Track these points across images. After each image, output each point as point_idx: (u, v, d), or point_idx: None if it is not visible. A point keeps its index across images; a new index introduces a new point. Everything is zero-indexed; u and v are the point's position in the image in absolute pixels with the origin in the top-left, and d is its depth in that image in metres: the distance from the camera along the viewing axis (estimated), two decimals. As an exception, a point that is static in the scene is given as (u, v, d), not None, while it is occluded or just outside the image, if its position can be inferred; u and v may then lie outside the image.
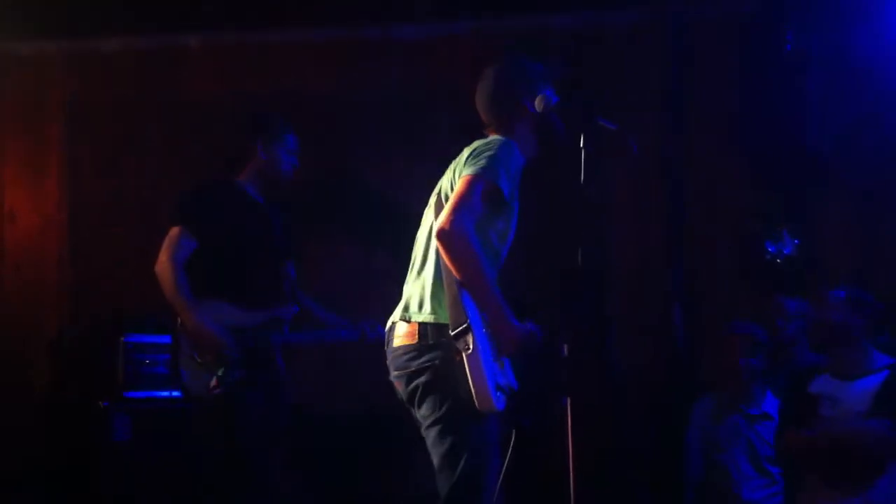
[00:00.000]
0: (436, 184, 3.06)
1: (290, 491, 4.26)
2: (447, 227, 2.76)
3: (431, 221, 2.96)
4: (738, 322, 4.34)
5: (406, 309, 2.93)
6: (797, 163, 4.60)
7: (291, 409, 3.88)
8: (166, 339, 4.38)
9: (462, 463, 2.77)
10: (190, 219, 3.75)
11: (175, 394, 4.37)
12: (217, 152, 4.87)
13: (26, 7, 4.96)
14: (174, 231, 3.72)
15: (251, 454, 3.65)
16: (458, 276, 2.77)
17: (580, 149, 2.99)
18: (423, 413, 2.86)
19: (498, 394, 2.73)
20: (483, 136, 3.06)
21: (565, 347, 3.01)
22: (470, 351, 2.70)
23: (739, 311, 4.52)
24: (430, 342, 2.83)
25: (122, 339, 4.48)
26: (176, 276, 3.65)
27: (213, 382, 3.59)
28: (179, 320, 3.68)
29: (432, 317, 2.85)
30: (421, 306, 2.89)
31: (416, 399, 2.86)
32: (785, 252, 4.16)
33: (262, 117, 4.03)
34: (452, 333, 2.74)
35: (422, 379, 2.83)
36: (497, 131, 3.06)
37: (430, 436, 2.84)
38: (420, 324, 2.87)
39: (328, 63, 5.13)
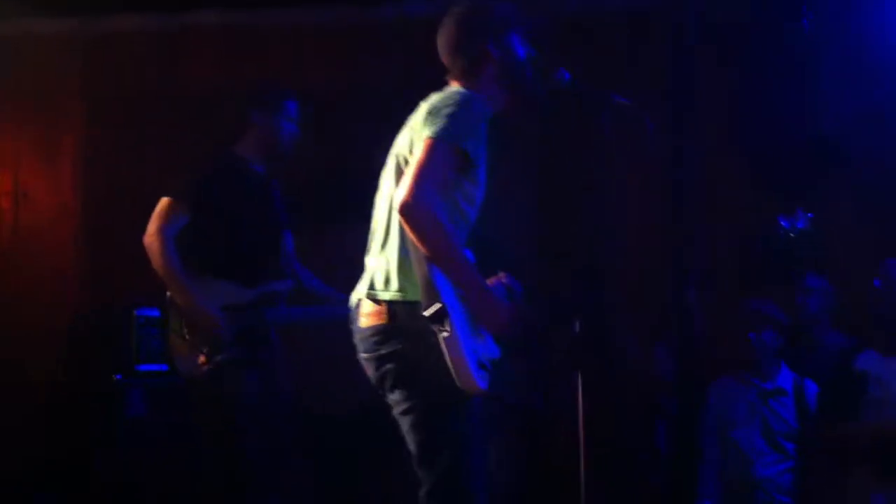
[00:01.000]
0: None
1: (295, 479, 4.14)
2: (409, 201, 2.50)
3: (391, 188, 2.72)
4: (749, 298, 4.33)
5: (372, 286, 2.68)
6: (811, 149, 4.56)
7: (291, 392, 3.77)
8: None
9: (443, 453, 2.58)
10: (182, 192, 3.64)
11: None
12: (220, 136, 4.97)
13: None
14: (164, 203, 3.61)
15: (244, 435, 3.51)
16: (425, 253, 2.52)
17: (594, 126, 2.98)
18: (395, 398, 2.64)
19: (480, 372, 2.53)
20: (444, 86, 2.80)
21: (577, 325, 2.98)
22: (447, 334, 2.48)
23: (755, 290, 4.50)
24: (401, 323, 2.59)
25: (135, 312, 4.46)
26: (165, 249, 3.54)
27: (201, 360, 3.49)
28: (168, 295, 3.61)
29: (401, 294, 2.61)
30: (388, 283, 2.64)
31: (388, 384, 2.64)
32: (798, 226, 4.13)
33: (258, 85, 3.95)
34: (426, 315, 2.49)
35: (393, 363, 2.61)
36: (459, 81, 2.79)
37: (406, 423, 2.63)
38: (388, 302, 2.62)
39: (336, 46, 5.12)
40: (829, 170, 4.61)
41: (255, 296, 3.62)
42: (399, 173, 2.67)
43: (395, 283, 2.63)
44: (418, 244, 2.52)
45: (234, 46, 5.20)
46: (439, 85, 2.80)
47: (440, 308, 2.48)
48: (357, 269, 2.80)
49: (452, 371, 2.48)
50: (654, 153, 4.40)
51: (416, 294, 2.55)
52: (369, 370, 2.68)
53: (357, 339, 2.70)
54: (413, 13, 4.96)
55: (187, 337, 3.53)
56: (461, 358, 2.47)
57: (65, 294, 5.14)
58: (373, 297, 2.66)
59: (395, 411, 2.65)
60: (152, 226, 3.58)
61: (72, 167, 5.29)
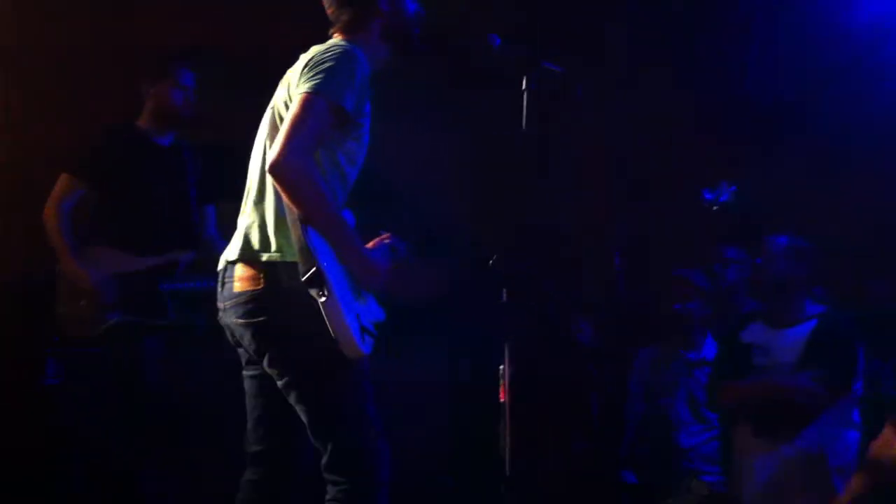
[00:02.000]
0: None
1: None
2: (281, 160, 2.38)
3: (265, 144, 2.62)
4: (676, 268, 4.38)
5: (246, 247, 2.55)
6: (741, 115, 4.62)
7: (170, 359, 3.81)
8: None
9: (337, 422, 2.50)
10: (78, 166, 3.78)
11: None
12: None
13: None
14: (62, 178, 3.77)
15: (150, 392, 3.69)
16: (299, 213, 2.41)
17: (523, 90, 2.97)
18: (276, 370, 2.53)
19: (364, 336, 2.44)
20: (326, 39, 2.70)
21: (504, 293, 2.97)
22: (325, 298, 2.37)
23: (683, 260, 4.55)
24: (279, 287, 2.47)
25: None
26: (58, 222, 3.71)
27: (86, 326, 3.61)
28: (58, 265, 3.72)
29: (278, 255, 2.49)
30: (264, 244, 2.52)
31: (267, 354, 2.52)
32: (721, 200, 4.19)
33: (149, 56, 3.99)
34: (303, 279, 2.38)
35: (272, 331, 2.49)
36: (342, 33, 2.70)
37: (292, 396, 2.52)
38: (265, 264, 2.50)
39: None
40: (768, 146, 4.68)
41: (150, 264, 3.70)
42: (274, 128, 2.57)
43: (272, 244, 2.52)
44: (290, 204, 2.43)
45: (159, 8, 5.05)
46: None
47: (316, 271, 2.38)
48: None
49: (334, 336, 2.39)
50: (582, 121, 4.45)
51: (293, 255, 2.46)
52: (243, 338, 2.56)
53: (227, 304, 2.58)
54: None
55: (76, 304, 3.64)
56: (342, 322, 2.39)
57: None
58: (248, 259, 2.53)
59: (279, 383, 2.54)
60: (50, 202, 3.76)
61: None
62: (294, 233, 2.44)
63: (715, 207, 4.16)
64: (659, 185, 4.81)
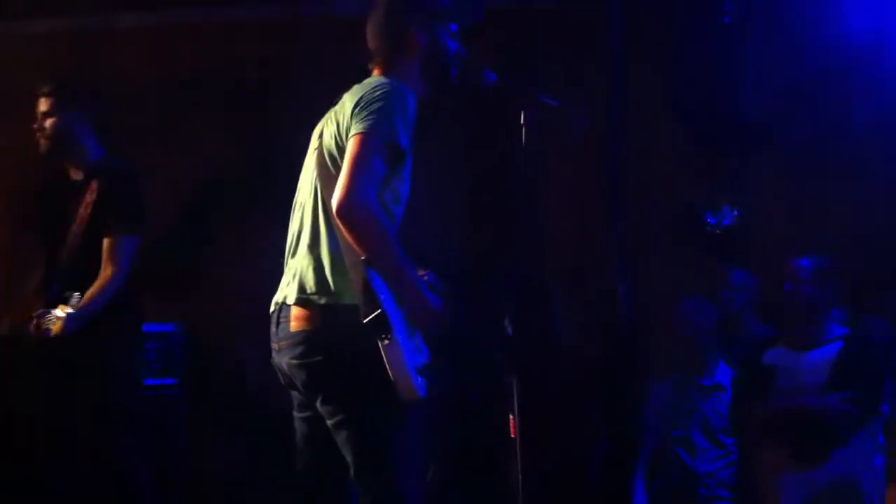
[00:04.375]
0: None
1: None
2: (348, 203, 2.39)
3: (314, 183, 2.62)
4: (685, 297, 4.35)
5: (303, 289, 2.54)
6: (733, 132, 4.61)
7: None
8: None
9: (384, 466, 2.49)
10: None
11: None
12: (151, 133, 4.87)
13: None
14: None
15: None
16: (364, 256, 2.41)
17: (521, 125, 2.96)
18: (328, 409, 2.53)
19: (420, 379, 2.44)
20: (366, 75, 2.70)
21: (508, 326, 2.96)
22: (388, 342, 2.37)
23: (682, 282, 4.53)
24: (336, 327, 2.47)
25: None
26: None
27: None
28: None
29: (338, 299, 2.49)
30: (321, 286, 2.52)
31: (320, 393, 2.52)
32: (724, 223, 4.18)
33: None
34: (366, 321, 2.37)
35: (326, 371, 2.49)
36: (382, 68, 2.71)
37: (341, 436, 2.51)
38: (323, 307, 2.50)
39: (264, 42, 5.04)
40: (754, 158, 4.66)
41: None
42: (324, 169, 2.59)
43: (330, 287, 2.51)
44: (357, 247, 2.42)
45: (153, 45, 5.09)
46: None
47: (381, 314, 2.37)
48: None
49: (392, 379, 2.40)
50: (581, 152, 4.44)
51: (351, 297, 2.45)
52: (296, 376, 2.56)
53: (282, 343, 2.58)
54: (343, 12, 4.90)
55: None
56: (402, 365, 2.39)
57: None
58: (304, 301, 2.53)
59: (329, 422, 2.54)
60: None
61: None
62: (355, 274, 2.44)
63: (718, 231, 4.16)
64: (655, 208, 4.79)
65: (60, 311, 3.47)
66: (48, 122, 3.68)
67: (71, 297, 3.48)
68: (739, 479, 4.08)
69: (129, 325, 3.68)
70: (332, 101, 2.74)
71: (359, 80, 2.70)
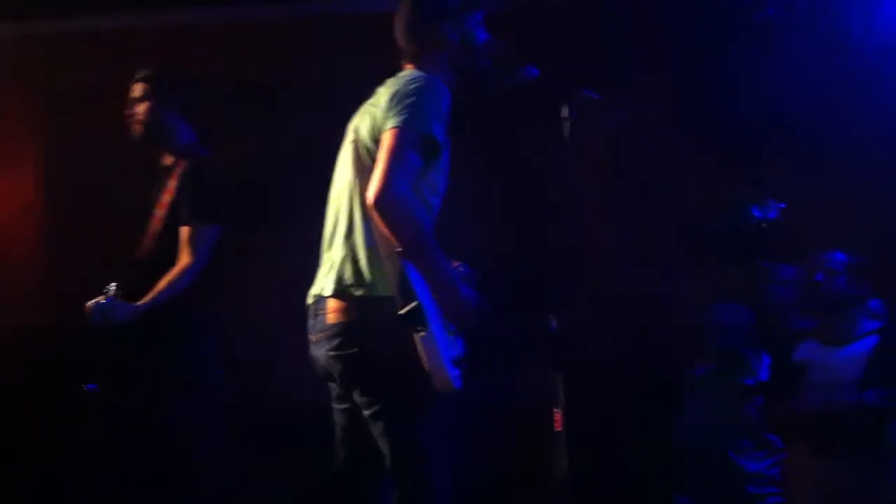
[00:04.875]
0: None
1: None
2: (383, 195, 2.41)
3: (350, 177, 2.65)
4: (724, 304, 4.30)
5: (339, 281, 2.57)
6: (769, 131, 4.56)
7: None
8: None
9: (420, 456, 2.52)
10: None
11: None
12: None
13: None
14: None
15: None
16: (400, 248, 2.43)
17: (563, 119, 2.96)
18: (365, 400, 2.56)
19: (455, 371, 2.47)
20: (391, 71, 2.74)
21: (553, 322, 2.96)
22: (424, 333, 2.40)
23: (725, 278, 4.50)
24: (372, 319, 2.51)
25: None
26: None
27: None
28: None
29: (373, 290, 2.52)
30: (357, 278, 2.55)
31: (357, 384, 2.57)
32: (770, 217, 4.14)
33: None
34: (402, 313, 2.40)
35: (363, 362, 2.53)
36: (413, 63, 2.74)
37: (378, 426, 2.55)
38: (360, 298, 2.53)
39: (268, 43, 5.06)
40: (797, 153, 4.62)
41: None
42: (359, 162, 2.62)
43: (367, 279, 2.54)
44: (393, 239, 2.44)
45: (193, 43, 5.12)
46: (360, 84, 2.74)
47: (417, 306, 2.40)
48: (297, 268, 2.75)
49: (428, 371, 2.42)
50: (622, 146, 4.42)
51: (386, 289, 2.48)
52: (333, 368, 2.60)
53: (319, 336, 2.62)
54: (363, 8, 4.90)
55: None
56: (438, 356, 2.42)
57: (30, 296, 5.05)
58: (341, 293, 2.56)
59: (365, 413, 2.58)
60: None
61: (34, 168, 5.20)
62: (390, 266, 2.47)
63: (763, 225, 4.12)
64: (703, 203, 4.75)
65: (93, 302, 3.42)
66: (140, 108, 3.72)
67: (108, 288, 3.44)
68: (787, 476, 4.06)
69: (203, 317, 3.61)
70: (364, 95, 2.77)
71: (381, 77, 2.73)
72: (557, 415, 2.96)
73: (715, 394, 4.25)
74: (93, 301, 3.42)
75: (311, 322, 2.67)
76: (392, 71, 2.76)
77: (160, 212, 3.64)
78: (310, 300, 2.69)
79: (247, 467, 4.51)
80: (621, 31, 4.78)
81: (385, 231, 2.45)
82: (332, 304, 2.58)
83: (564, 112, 2.95)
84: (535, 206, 4.40)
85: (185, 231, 3.54)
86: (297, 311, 2.80)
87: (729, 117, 4.65)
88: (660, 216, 4.66)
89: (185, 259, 3.51)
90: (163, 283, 3.49)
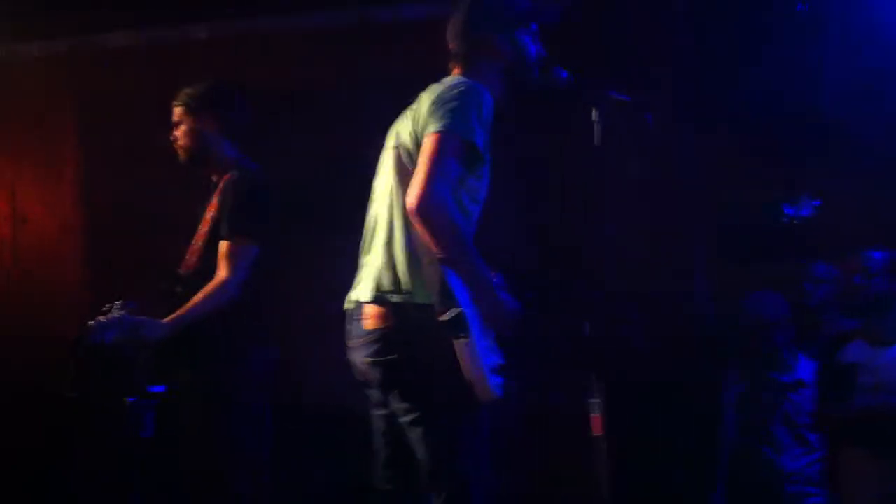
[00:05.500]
0: None
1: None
2: (423, 202, 2.39)
3: (391, 182, 2.64)
4: (758, 291, 4.27)
5: (378, 287, 2.56)
6: (812, 127, 4.51)
7: None
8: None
9: (458, 464, 2.50)
10: None
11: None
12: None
13: (30, 7, 4.95)
14: None
15: None
16: (440, 254, 2.41)
17: (593, 122, 2.95)
18: (403, 406, 2.55)
19: (496, 379, 2.46)
20: (444, 75, 2.74)
21: (587, 326, 2.95)
22: (466, 340, 2.38)
23: (758, 277, 4.45)
24: (411, 327, 2.49)
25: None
26: None
27: None
28: None
29: (411, 297, 2.50)
30: (397, 285, 2.53)
31: (395, 391, 2.55)
32: (802, 214, 4.09)
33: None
34: (444, 320, 2.38)
35: (402, 369, 2.51)
36: (462, 69, 2.73)
37: (416, 433, 2.53)
38: (398, 305, 2.51)
39: (331, 50, 5.09)
40: (829, 150, 4.57)
41: None
42: (400, 166, 2.60)
43: (406, 285, 2.52)
44: (433, 246, 2.42)
45: (227, 57, 5.18)
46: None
47: (459, 313, 2.38)
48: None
49: (469, 378, 2.40)
50: (653, 147, 4.39)
51: (425, 296, 2.46)
52: (371, 374, 2.59)
53: (357, 342, 2.61)
54: (408, 17, 4.92)
55: None
56: (479, 364, 2.40)
57: (70, 314, 5.11)
58: (379, 299, 2.55)
59: (403, 419, 2.56)
60: None
61: (71, 187, 5.28)
62: (431, 273, 2.44)
63: (796, 222, 4.07)
64: (735, 200, 4.71)
65: (94, 321, 3.37)
66: (179, 131, 3.73)
67: (111, 308, 3.40)
68: (826, 475, 4.01)
69: (244, 335, 3.52)
70: (406, 102, 2.77)
71: (426, 84, 2.72)
72: (595, 419, 2.94)
73: (748, 388, 4.20)
74: (94, 320, 3.37)
75: (348, 327, 2.67)
76: (433, 77, 2.76)
77: (203, 228, 3.62)
78: (347, 305, 2.69)
79: (282, 474, 4.54)
80: (645, 28, 4.74)
81: (425, 237, 2.43)
82: (370, 310, 2.57)
83: (594, 115, 2.94)
84: (563, 208, 4.38)
85: (223, 246, 3.49)
86: (333, 317, 2.81)
87: (763, 115, 4.60)
88: (691, 216, 4.62)
89: (221, 274, 3.45)
90: (197, 298, 3.44)
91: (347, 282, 2.76)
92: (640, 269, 4.63)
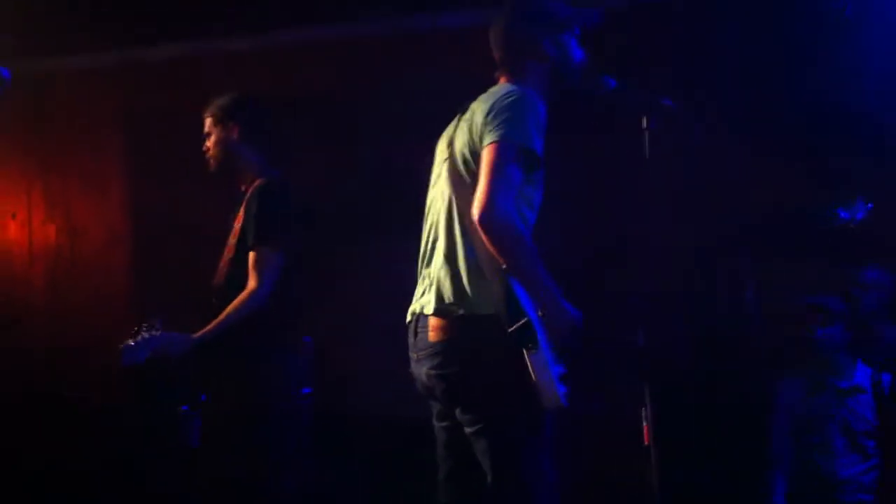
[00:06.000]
0: None
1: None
2: (488, 213, 2.40)
3: (448, 192, 2.63)
4: (810, 294, 4.22)
5: (440, 299, 2.56)
6: (858, 129, 4.45)
7: None
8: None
9: (525, 475, 2.49)
10: None
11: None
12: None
13: (76, 21, 5.01)
14: None
15: None
16: (506, 265, 2.42)
17: (643, 130, 2.95)
18: (468, 418, 2.55)
19: (563, 388, 2.45)
20: (493, 83, 2.74)
21: (640, 335, 2.94)
22: (535, 350, 2.38)
23: (810, 282, 4.39)
24: (477, 337, 2.49)
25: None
26: None
27: None
28: None
29: (475, 309, 2.50)
30: (461, 297, 2.53)
31: (460, 402, 2.55)
32: (858, 217, 4.03)
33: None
34: (511, 330, 2.38)
35: (467, 381, 2.51)
36: (509, 76, 2.72)
37: (481, 444, 2.53)
38: (461, 317, 2.51)
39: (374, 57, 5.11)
40: (880, 156, 4.50)
41: None
42: (458, 178, 2.60)
43: (469, 297, 2.52)
44: (499, 257, 2.42)
45: (271, 69, 5.21)
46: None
47: (527, 323, 2.39)
48: (381, 284, 2.75)
49: (538, 388, 2.41)
50: (700, 153, 4.36)
51: (488, 307, 2.47)
52: (435, 386, 2.58)
53: (421, 354, 2.60)
54: (449, 25, 4.93)
55: None
56: (548, 373, 2.41)
57: (121, 324, 5.17)
58: (443, 311, 2.55)
59: (468, 430, 2.56)
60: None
61: (120, 198, 5.35)
62: (496, 284, 2.44)
63: (851, 226, 4.01)
64: (784, 205, 4.65)
65: (124, 345, 3.44)
66: (209, 142, 3.79)
67: (140, 327, 3.47)
68: (882, 483, 3.94)
69: (276, 342, 3.56)
70: (452, 110, 2.78)
71: (471, 92, 2.73)
72: (646, 428, 2.92)
73: (801, 394, 4.15)
74: (124, 342, 3.44)
75: (411, 340, 2.67)
76: (475, 87, 2.76)
77: (232, 239, 3.66)
78: (409, 318, 2.69)
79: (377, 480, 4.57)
80: (688, 34, 4.71)
81: (490, 248, 2.43)
82: (434, 321, 2.56)
83: (644, 122, 2.93)
84: (611, 216, 4.37)
85: (251, 256, 3.52)
86: (392, 327, 2.81)
87: (808, 117, 4.54)
88: (740, 222, 4.57)
89: (250, 284, 3.49)
90: (228, 309, 3.49)
91: (392, 294, 2.77)
92: (687, 276, 4.59)
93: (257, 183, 3.67)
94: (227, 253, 3.66)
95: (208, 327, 3.48)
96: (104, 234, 5.38)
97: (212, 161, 3.80)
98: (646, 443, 2.93)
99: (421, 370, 2.62)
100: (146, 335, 3.43)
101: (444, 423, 2.69)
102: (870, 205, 4.03)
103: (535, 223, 2.67)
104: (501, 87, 2.68)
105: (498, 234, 2.41)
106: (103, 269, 5.33)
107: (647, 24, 4.70)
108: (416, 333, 2.64)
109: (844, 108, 4.48)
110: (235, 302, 3.49)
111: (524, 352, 2.40)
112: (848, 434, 4.05)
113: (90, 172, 5.41)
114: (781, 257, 4.56)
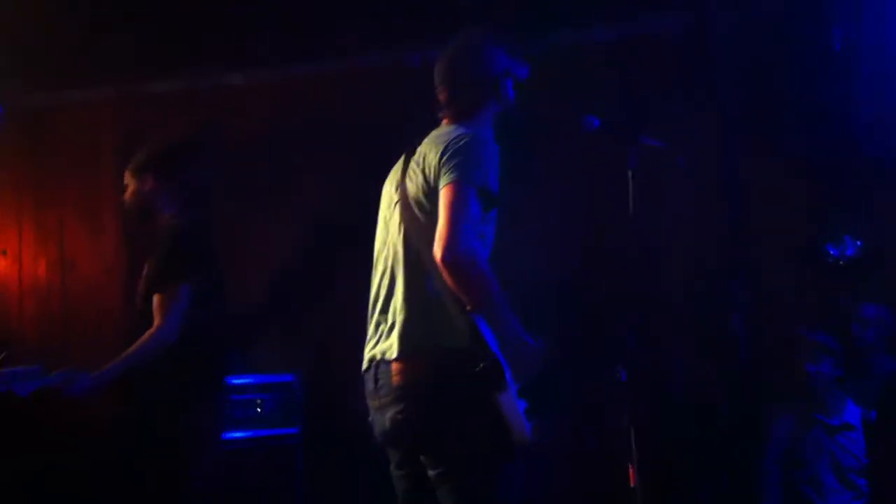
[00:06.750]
0: None
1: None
2: (452, 251, 2.38)
3: (404, 235, 2.61)
4: (804, 329, 4.20)
5: (403, 341, 2.53)
6: (854, 164, 4.43)
7: None
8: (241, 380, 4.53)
9: None
10: None
11: (249, 434, 4.49)
12: (263, 187, 5.00)
13: (70, 56, 5.04)
14: None
15: None
16: (471, 304, 2.41)
17: (627, 168, 2.94)
18: (433, 461, 2.51)
19: (528, 423, 2.42)
20: (437, 123, 2.74)
21: (623, 372, 2.92)
22: (504, 390, 2.37)
23: (803, 318, 4.37)
24: (442, 376, 2.46)
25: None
26: None
27: None
28: None
29: (441, 348, 2.48)
30: (423, 338, 2.52)
31: (428, 443, 2.51)
32: (847, 254, 4.01)
33: None
34: (478, 370, 2.37)
35: (434, 422, 2.47)
36: (455, 117, 2.71)
37: (446, 487, 2.49)
38: (426, 358, 2.49)
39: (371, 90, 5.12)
40: (876, 188, 4.48)
41: None
42: (413, 220, 2.59)
43: (432, 336, 2.51)
44: (463, 295, 2.41)
45: (267, 103, 5.23)
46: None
47: (495, 361, 2.38)
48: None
49: (507, 424, 2.38)
50: (686, 190, 4.35)
51: (453, 345, 2.44)
52: (400, 430, 2.54)
53: (384, 399, 2.56)
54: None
55: None
56: (515, 410, 2.39)
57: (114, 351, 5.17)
58: (408, 354, 2.52)
59: (432, 473, 2.52)
60: None
61: (115, 232, 5.35)
62: (461, 322, 2.43)
63: (841, 262, 4.00)
64: (775, 240, 4.63)
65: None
66: (125, 194, 3.77)
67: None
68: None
69: (191, 383, 3.49)
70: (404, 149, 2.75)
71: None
72: (632, 470, 2.90)
73: (794, 428, 4.12)
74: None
75: (370, 387, 2.63)
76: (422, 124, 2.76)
77: (141, 286, 3.62)
78: (366, 365, 2.65)
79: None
80: (685, 67, 4.71)
81: (453, 287, 2.42)
82: (398, 366, 2.54)
83: (628, 161, 2.93)
84: (599, 251, 4.36)
85: (154, 299, 3.50)
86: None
87: (803, 149, 4.54)
88: (732, 258, 4.55)
89: (154, 324, 3.46)
90: (129, 350, 3.45)
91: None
92: (675, 310, 4.56)
93: (165, 226, 3.68)
94: (137, 301, 3.62)
95: (104, 368, 3.42)
96: (97, 268, 5.37)
97: (128, 211, 3.80)
98: (632, 485, 2.90)
99: (384, 417, 2.57)
100: (32, 367, 3.34)
101: (403, 471, 2.65)
102: (858, 242, 4.01)
103: (523, 258, 2.67)
104: (450, 128, 2.68)
105: (463, 273, 2.40)
106: (96, 304, 5.31)
107: (635, 57, 4.71)
108: (376, 381, 2.59)
109: (837, 142, 4.48)
110: (137, 343, 3.46)
111: (492, 389, 2.38)
112: (838, 471, 4.02)
113: (84, 206, 5.41)
114: (776, 290, 4.56)
